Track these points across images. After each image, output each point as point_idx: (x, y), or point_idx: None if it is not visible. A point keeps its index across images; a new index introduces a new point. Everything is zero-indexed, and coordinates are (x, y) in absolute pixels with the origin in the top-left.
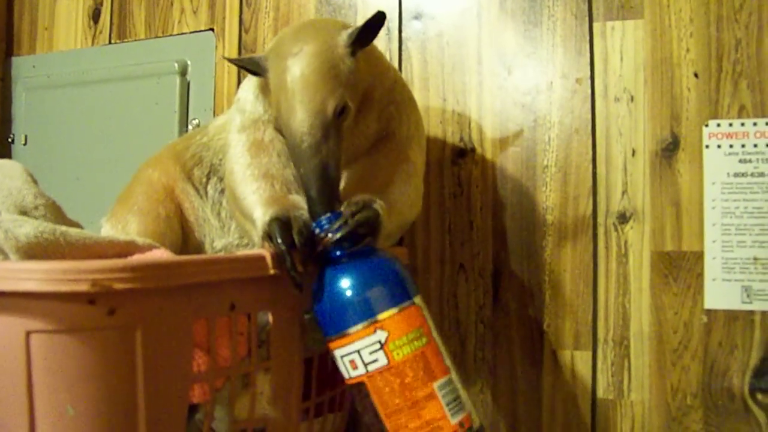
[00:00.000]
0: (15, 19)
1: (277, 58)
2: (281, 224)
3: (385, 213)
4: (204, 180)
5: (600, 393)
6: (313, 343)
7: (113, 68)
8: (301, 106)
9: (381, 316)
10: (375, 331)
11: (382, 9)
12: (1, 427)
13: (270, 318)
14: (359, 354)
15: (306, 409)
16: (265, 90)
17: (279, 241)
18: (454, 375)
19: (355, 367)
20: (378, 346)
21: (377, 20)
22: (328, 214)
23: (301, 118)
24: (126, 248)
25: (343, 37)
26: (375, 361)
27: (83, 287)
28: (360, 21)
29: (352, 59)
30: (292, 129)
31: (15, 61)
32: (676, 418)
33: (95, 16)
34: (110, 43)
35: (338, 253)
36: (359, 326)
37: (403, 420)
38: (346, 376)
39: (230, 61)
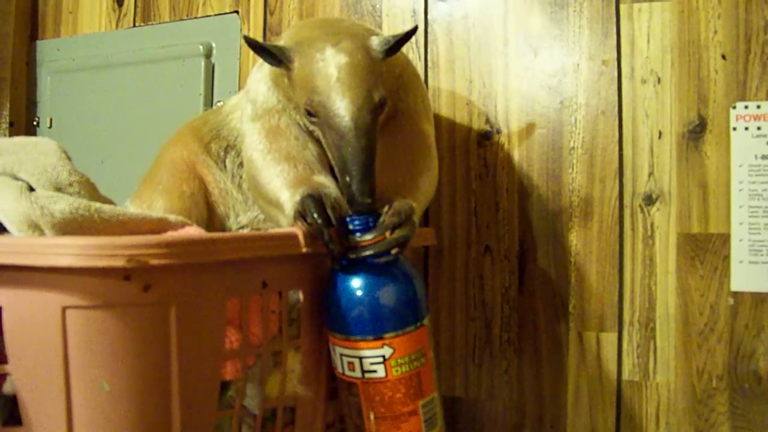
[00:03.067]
0: (39, 3)
1: (309, 49)
2: (315, 201)
3: (418, 217)
4: (222, 154)
5: (625, 375)
6: None
7: (138, 51)
8: (350, 90)
9: (390, 334)
10: (382, 346)
11: None
12: (38, 402)
13: (300, 296)
14: (360, 360)
15: (335, 388)
16: (279, 81)
17: (315, 216)
18: (437, 393)
19: (352, 369)
20: (381, 359)
21: (411, 34)
22: (364, 217)
23: (351, 100)
24: (158, 225)
25: (375, 43)
26: (374, 371)
27: (119, 263)
28: (385, 3)
29: (383, 64)
30: (340, 111)
31: (40, 45)
32: (701, 400)
33: None
34: (135, 26)
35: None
36: (368, 337)
37: (383, 428)
38: (339, 370)
39: (250, 44)
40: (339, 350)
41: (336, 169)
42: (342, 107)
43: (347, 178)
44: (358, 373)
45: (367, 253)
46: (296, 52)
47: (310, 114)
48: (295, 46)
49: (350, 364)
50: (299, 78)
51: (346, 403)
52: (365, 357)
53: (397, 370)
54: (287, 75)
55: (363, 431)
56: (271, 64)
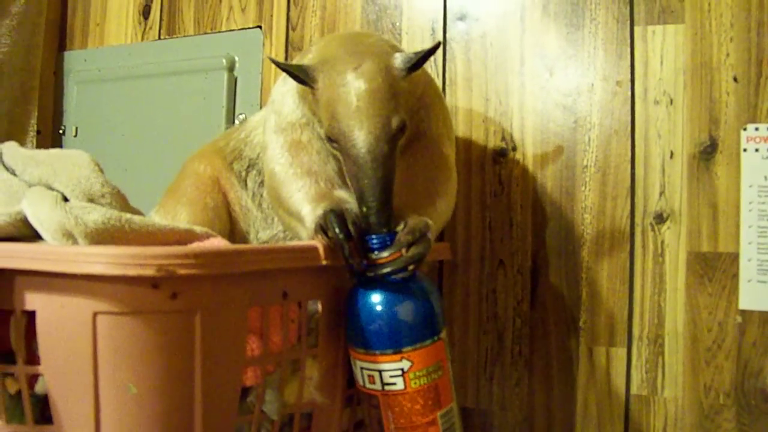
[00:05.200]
0: (68, 15)
1: (331, 71)
2: (336, 216)
3: (434, 234)
4: (243, 173)
5: (634, 389)
6: None
7: (162, 63)
8: (368, 119)
9: (408, 348)
10: (400, 360)
11: (427, 10)
12: (68, 403)
13: (319, 307)
14: (380, 374)
15: (350, 396)
16: (305, 95)
17: (337, 230)
18: (455, 403)
19: (372, 382)
20: (399, 372)
21: (434, 51)
22: (381, 235)
23: (369, 130)
24: (185, 236)
25: (398, 60)
26: (393, 384)
27: (149, 272)
28: (405, 21)
29: (405, 82)
30: (358, 141)
31: (67, 55)
32: (708, 416)
33: (145, 12)
34: (160, 38)
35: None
36: (387, 351)
37: None
38: (360, 383)
39: (276, 64)
40: (360, 364)
41: (354, 196)
42: (360, 138)
43: (365, 209)
44: (378, 386)
45: (384, 270)
46: (320, 72)
47: (331, 140)
48: (319, 65)
49: (370, 377)
50: (322, 100)
51: (368, 414)
52: (384, 370)
53: (415, 383)
54: (312, 93)
55: None
56: (296, 81)
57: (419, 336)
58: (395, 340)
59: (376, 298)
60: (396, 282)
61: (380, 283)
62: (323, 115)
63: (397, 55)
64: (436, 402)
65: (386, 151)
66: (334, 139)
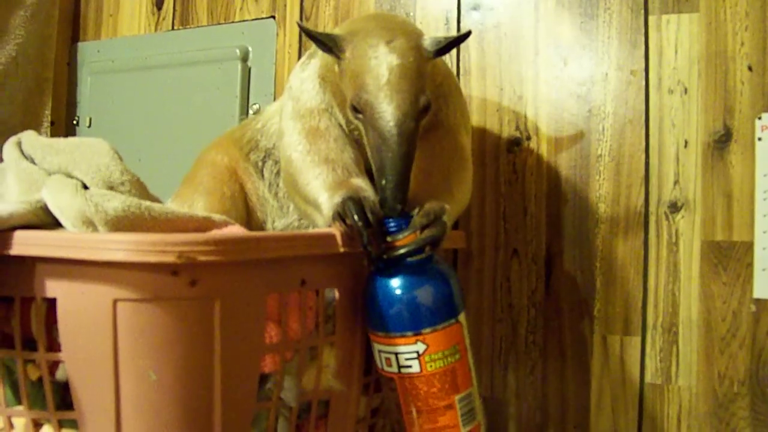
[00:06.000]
0: (81, 6)
1: (362, 42)
2: (355, 203)
3: (450, 219)
4: (260, 164)
5: (648, 378)
6: None
7: (176, 54)
8: (398, 94)
9: (425, 331)
10: (416, 342)
11: (441, 0)
12: (89, 389)
13: (336, 294)
14: (396, 356)
15: (367, 383)
16: (327, 75)
17: (355, 218)
18: (474, 388)
19: (389, 365)
20: (415, 355)
21: (464, 38)
22: (398, 218)
23: (397, 105)
24: (204, 224)
25: (428, 42)
26: (409, 366)
27: (170, 258)
28: (419, 11)
29: (428, 65)
30: (386, 115)
31: (81, 46)
32: (722, 404)
33: (159, 3)
34: (173, 29)
35: (399, 255)
36: (404, 333)
37: (421, 421)
38: (379, 366)
39: (304, 30)
40: (378, 347)
41: (373, 168)
42: (388, 112)
43: (383, 182)
44: (394, 369)
45: (400, 252)
46: (349, 42)
47: (356, 110)
48: (349, 36)
49: (387, 359)
50: (350, 69)
51: (387, 397)
52: (401, 352)
53: (431, 366)
54: (338, 64)
55: (402, 424)
56: (322, 50)
57: (435, 319)
58: (410, 322)
59: (394, 282)
60: (413, 264)
61: (397, 266)
62: (349, 85)
63: (426, 37)
64: (453, 386)
65: (412, 127)
66: (360, 110)
